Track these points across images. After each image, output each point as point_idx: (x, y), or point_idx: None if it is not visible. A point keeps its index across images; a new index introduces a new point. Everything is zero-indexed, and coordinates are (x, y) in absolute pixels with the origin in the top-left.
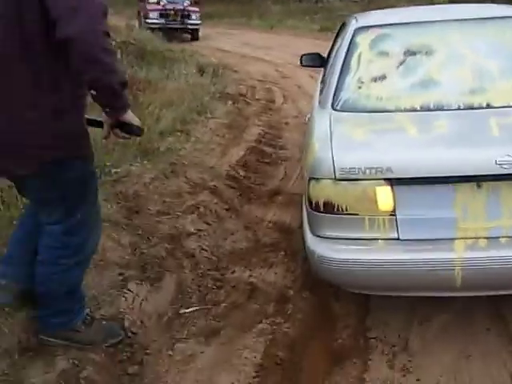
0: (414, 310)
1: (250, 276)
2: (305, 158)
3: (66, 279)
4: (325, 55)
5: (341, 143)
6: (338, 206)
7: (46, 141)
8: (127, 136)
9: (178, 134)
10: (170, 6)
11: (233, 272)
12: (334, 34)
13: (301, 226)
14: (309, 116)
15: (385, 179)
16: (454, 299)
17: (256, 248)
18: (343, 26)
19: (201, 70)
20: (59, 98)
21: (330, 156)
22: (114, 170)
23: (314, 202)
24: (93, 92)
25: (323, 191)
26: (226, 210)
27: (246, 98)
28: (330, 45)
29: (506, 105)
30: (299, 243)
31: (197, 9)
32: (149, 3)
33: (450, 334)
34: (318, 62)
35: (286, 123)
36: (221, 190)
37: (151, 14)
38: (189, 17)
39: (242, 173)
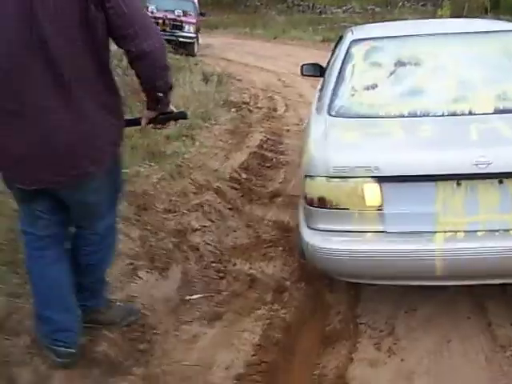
0: (400, 300)
1: (250, 268)
2: (302, 159)
3: (106, 266)
4: (324, 65)
5: (334, 145)
6: (330, 201)
7: (116, 139)
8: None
9: (184, 138)
10: (159, 14)
11: (234, 264)
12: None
13: (298, 225)
14: (307, 122)
15: (373, 177)
16: (438, 291)
17: (256, 244)
18: (341, 38)
19: (205, 79)
20: (118, 99)
21: (324, 156)
22: (123, 171)
23: (309, 198)
24: (160, 94)
25: (318, 188)
26: (229, 209)
27: (249, 105)
28: (329, 55)
29: (485, 112)
30: (296, 240)
31: (193, 20)
32: None
33: (433, 322)
34: (318, 71)
35: (288, 130)
36: (224, 190)
37: None
38: (181, 28)
39: (244, 175)
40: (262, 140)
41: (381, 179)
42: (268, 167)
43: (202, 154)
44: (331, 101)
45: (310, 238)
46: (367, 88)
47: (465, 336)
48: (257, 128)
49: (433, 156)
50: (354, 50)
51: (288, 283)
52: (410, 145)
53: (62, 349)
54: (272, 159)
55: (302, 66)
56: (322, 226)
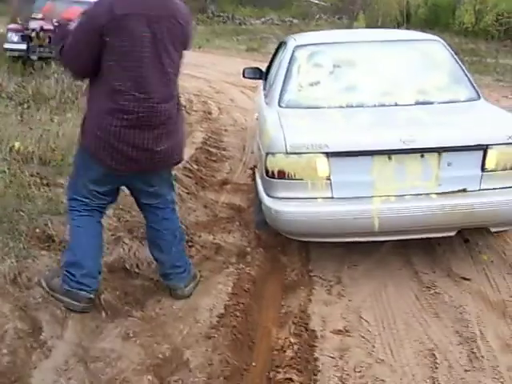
0: (344, 258)
1: (214, 239)
2: (261, 141)
3: None
4: (263, 69)
5: (289, 128)
6: (288, 173)
7: None
8: None
9: None
10: (34, 25)
11: (200, 236)
12: (260, 54)
13: (249, 206)
14: (257, 115)
15: (322, 153)
16: (374, 250)
17: (215, 220)
18: (281, 44)
19: None
20: None
21: (282, 136)
22: None
23: (270, 171)
24: None
25: (277, 163)
26: (187, 193)
27: (185, 109)
28: (269, 60)
29: (408, 103)
30: (250, 217)
31: None
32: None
33: (371, 273)
34: (258, 74)
35: (226, 130)
36: (180, 178)
37: (10, 35)
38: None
39: (195, 166)
40: (204, 138)
41: (329, 154)
42: (214, 161)
43: None
44: (281, 95)
45: (272, 204)
46: (311, 84)
47: (398, 282)
48: (197, 128)
49: (369, 136)
50: (297, 53)
51: (248, 249)
52: (350, 128)
53: (84, 293)
54: (216, 154)
55: (243, 70)
56: (281, 195)
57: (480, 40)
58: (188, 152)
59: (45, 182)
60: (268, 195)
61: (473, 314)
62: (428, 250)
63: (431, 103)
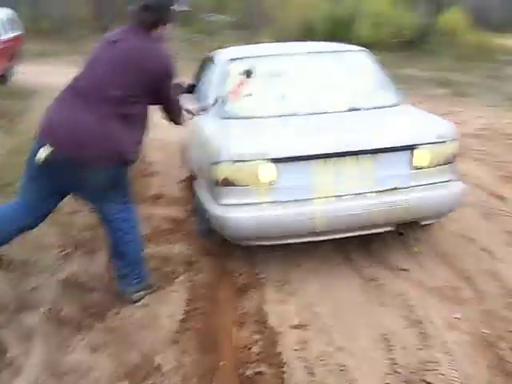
0: (288, 259)
1: (159, 251)
2: (203, 151)
3: None
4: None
5: (232, 137)
6: (234, 180)
7: None
8: None
9: None
10: None
11: (146, 248)
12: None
13: (188, 216)
14: (191, 126)
15: (265, 159)
16: (314, 250)
17: (158, 232)
18: (207, 59)
19: None
20: None
21: (226, 146)
22: None
23: (216, 180)
24: None
25: (223, 171)
26: None
27: None
28: (195, 74)
29: (338, 110)
30: (191, 227)
31: None
32: None
33: (315, 271)
34: (181, 89)
35: (150, 146)
36: None
37: None
38: None
39: None
40: None
41: (271, 161)
42: (144, 176)
43: None
44: (218, 107)
45: (220, 211)
46: (246, 96)
47: (341, 277)
48: None
49: (307, 142)
50: (230, 67)
51: (194, 258)
52: (289, 135)
53: None
54: (145, 169)
55: None
56: (228, 201)
57: (378, 52)
58: None
59: None
60: (214, 203)
61: (415, 300)
62: (365, 246)
63: (359, 109)
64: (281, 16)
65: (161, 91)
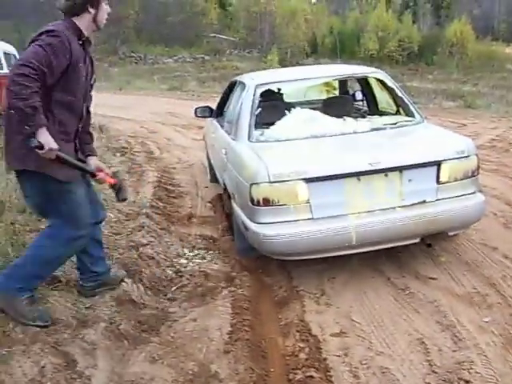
0: (322, 272)
1: (200, 268)
2: (240, 173)
3: None
4: (213, 108)
5: (268, 159)
6: (272, 200)
7: None
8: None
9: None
10: None
11: (185, 267)
12: (184, 93)
13: (221, 235)
14: (225, 149)
15: (301, 179)
16: (346, 263)
17: (195, 251)
18: (235, 83)
19: None
20: None
21: (264, 167)
22: None
23: (255, 200)
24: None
25: (261, 191)
26: (160, 229)
27: (127, 150)
28: (221, 98)
29: (364, 130)
30: (226, 245)
31: None
32: None
33: (349, 283)
34: (208, 112)
35: (174, 168)
36: (151, 215)
37: None
38: None
39: (160, 204)
40: (157, 177)
41: (306, 180)
42: (174, 197)
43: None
44: (250, 131)
45: (260, 229)
46: (276, 119)
47: (374, 288)
48: (147, 168)
49: (339, 161)
50: (259, 91)
51: (234, 274)
52: (321, 155)
53: None
54: (174, 191)
55: (195, 109)
56: (267, 220)
57: (385, 65)
58: (148, 191)
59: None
60: (254, 222)
61: (446, 306)
62: (393, 258)
63: (384, 129)
64: (288, 33)
65: None
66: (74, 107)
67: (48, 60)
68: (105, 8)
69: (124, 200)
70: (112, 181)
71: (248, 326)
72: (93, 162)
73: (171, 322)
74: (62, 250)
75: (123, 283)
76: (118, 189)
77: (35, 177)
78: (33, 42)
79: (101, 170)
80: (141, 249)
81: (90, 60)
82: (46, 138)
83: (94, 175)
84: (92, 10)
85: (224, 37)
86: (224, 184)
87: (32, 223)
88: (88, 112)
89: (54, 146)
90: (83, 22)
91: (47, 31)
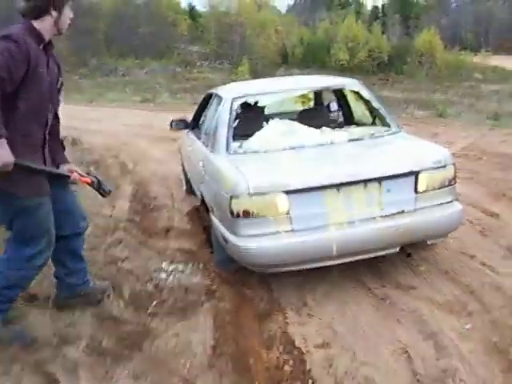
0: (302, 284)
1: (180, 281)
2: (219, 186)
3: None
4: (189, 120)
5: (247, 172)
6: (252, 212)
7: None
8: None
9: None
10: None
11: (165, 280)
12: (156, 105)
13: (200, 247)
14: (202, 162)
15: (281, 191)
16: (327, 274)
17: (174, 264)
18: (211, 96)
19: None
20: None
21: (243, 180)
22: None
23: (235, 212)
24: None
25: (241, 204)
26: (138, 243)
27: (101, 163)
28: (197, 110)
29: (342, 141)
30: (205, 258)
31: None
32: None
33: (331, 294)
34: (184, 125)
35: (149, 180)
36: (128, 229)
37: None
38: None
39: (136, 217)
40: (133, 189)
41: (286, 192)
42: (151, 210)
43: (89, 205)
44: (227, 143)
45: (240, 242)
46: (253, 131)
47: (355, 298)
48: (122, 181)
49: (318, 172)
50: (235, 104)
51: (214, 287)
52: (300, 166)
53: None
54: (150, 204)
55: (171, 122)
56: (248, 232)
57: (355, 75)
58: (124, 204)
59: None
60: (234, 234)
61: (427, 315)
62: (373, 268)
63: (362, 139)
64: (258, 44)
65: None
66: (38, 114)
67: (6, 66)
68: (67, 12)
69: (109, 192)
70: (88, 180)
71: (231, 340)
72: (66, 167)
73: (153, 338)
74: (23, 273)
75: (105, 298)
76: (97, 185)
77: None
78: None
79: (72, 172)
80: (119, 263)
81: (56, 64)
82: (1, 150)
83: (67, 177)
84: (54, 13)
85: (194, 49)
86: (202, 196)
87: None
88: (57, 118)
89: (8, 158)
90: (44, 25)
91: (3, 36)
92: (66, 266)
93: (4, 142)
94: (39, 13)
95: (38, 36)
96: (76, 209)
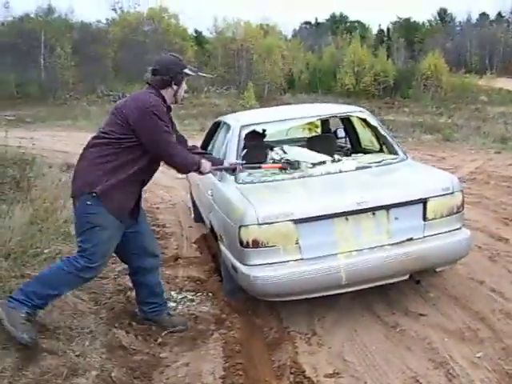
0: (312, 312)
1: (189, 310)
2: (228, 215)
3: None
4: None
5: (256, 201)
6: (261, 242)
7: None
8: None
9: None
10: None
11: (175, 309)
12: None
13: (209, 276)
14: (211, 190)
15: (290, 220)
16: (336, 302)
17: (183, 293)
18: (219, 124)
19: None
20: None
21: (252, 210)
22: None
23: (244, 242)
24: None
25: (251, 233)
26: None
27: None
28: (205, 138)
29: (350, 169)
30: (214, 287)
31: None
32: None
33: (340, 322)
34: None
35: (157, 208)
36: None
37: None
38: None
39: None
40: None
41: (295, 221)
42: (159, 238)
43: None
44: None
45: (249, 271)
46: (262, 159)
47: (365, 326)
48: None
49: (327, 201)
50: (243, 132)
51: (224, 316)
52: (309, 195)
53: None
54: (159, 231)
55: None
56: (256, 261)
57: (362, 99)
58: None
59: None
60: (243, 263)
61: (438, 342)
62: (383, 296)
63: (370, 167)
64: (264, 69)
65: (140, 133)
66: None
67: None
68: (184, 86)
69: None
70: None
71: (241, 370)
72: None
73: (163, 368)
74: (70, 278)
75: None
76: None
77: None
78: (122, 110)
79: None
80: (128, 292)
81: (172, 122)
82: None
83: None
84: (175, 87)
85: (202, 74)
86: (211, 225)
87: (17, 268)
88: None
89: (209, 168)
90: (167, 94)
91: (153, 105)
92: (138, 294)
93: (204, 160)
94: (164, 85)
95: (164, 101)
96: (148, 246)
